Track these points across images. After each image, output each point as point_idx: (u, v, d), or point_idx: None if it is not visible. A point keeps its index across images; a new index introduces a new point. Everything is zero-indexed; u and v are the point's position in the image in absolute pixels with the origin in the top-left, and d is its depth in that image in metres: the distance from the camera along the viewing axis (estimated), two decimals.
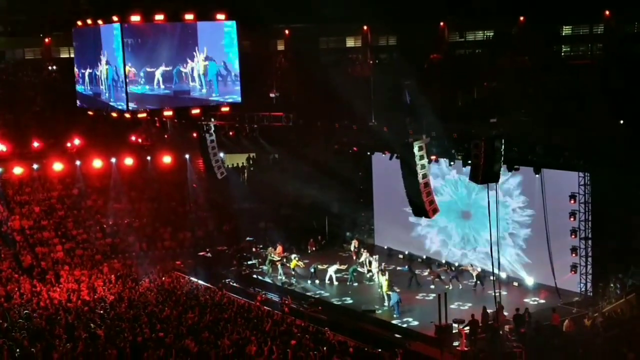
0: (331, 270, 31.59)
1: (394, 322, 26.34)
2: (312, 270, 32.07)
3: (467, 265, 30.53)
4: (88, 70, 28.57)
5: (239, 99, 28.15)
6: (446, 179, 32.51)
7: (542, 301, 27.84)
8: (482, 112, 23.44)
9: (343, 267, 31.94)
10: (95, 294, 29.96)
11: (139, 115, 31.62)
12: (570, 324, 23.98)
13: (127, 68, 23.78)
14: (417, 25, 48.29)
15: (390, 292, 27.82)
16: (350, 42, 52.98)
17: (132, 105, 24.62)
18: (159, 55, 24.41)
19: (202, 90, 26.13)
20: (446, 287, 29.41)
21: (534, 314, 25.14)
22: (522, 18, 46.36)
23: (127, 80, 23.84)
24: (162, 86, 24.75)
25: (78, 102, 32.27)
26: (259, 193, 41.57)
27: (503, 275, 29.43)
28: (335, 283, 31.32)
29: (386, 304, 27.99)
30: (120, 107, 24.89)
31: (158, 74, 24.48)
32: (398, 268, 32.17)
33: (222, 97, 27.41)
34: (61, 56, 49.59)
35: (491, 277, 24.93)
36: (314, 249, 37.13)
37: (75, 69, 32.33)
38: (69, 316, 25.26)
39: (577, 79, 36.54)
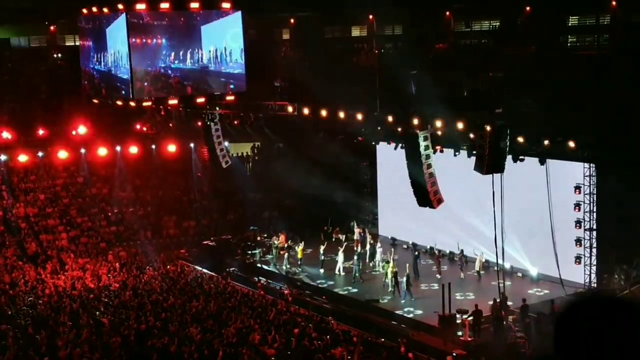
0: (339, 260, 31.53)
1: (397, 312, 26.37)
2: (321, 258, 31.95)
3: (480, 255, 30.15)
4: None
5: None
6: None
7: (546, 292, 27.83)
8: (487, 102, 23.35)
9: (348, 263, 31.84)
10: (99, 281, 30.05)
11: (144, 104, 31.81)
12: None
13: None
14: (423, 15, 48.05)
15: (402, 279, 27.74)
16: (355, 31, 52.67)
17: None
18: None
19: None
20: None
21: (537, 305, 25.13)
22: (528, 8, 46.09)
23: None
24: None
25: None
26: (263, 182, 41.56)
27: (507, 265, 29.44)
28: (343, 273, 31.28)
29: (390, 289, 28.03)
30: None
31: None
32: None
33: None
34: (66, 44, 49.50)
35: (495, 268, 24.92)
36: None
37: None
38: (73, 304, 25.35)
39: (583, 70, 36.29)
